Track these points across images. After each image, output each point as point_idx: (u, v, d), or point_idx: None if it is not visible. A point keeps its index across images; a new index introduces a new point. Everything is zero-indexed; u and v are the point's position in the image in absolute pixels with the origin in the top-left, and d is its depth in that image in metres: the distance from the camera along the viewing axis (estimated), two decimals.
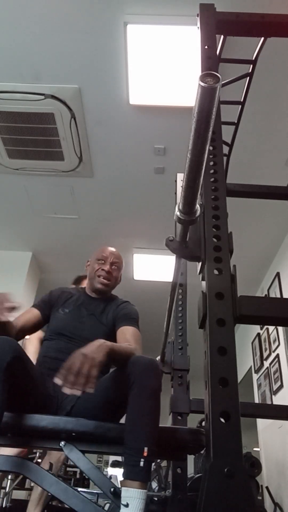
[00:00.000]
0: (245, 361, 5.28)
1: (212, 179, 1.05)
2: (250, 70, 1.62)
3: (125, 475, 1.13)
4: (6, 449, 2.31)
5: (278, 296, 4.08)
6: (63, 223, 4.25)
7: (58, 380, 1.12)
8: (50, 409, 1.36)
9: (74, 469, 4.66)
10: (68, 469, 4.69)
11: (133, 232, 4.34)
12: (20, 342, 1.48)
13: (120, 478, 1.16)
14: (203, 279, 0.94)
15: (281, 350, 4.03)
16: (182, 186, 0.89)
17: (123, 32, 2.47)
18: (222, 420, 0.76)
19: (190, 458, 2.60)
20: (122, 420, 1.26)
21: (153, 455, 1.15)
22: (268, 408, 3.09)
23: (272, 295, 4.36)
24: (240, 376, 5.24)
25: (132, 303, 1.79)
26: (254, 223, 3.91)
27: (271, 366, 4.27)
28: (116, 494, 1.16)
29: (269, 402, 4.25)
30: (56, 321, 1.67)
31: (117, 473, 4.60)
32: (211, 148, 1.08)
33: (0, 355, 1.15)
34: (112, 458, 5.93)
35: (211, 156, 1.08)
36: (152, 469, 4.29)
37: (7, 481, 3.05)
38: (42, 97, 2.86)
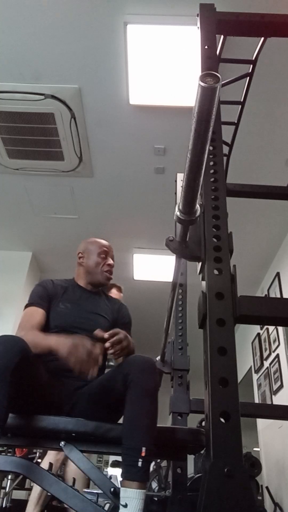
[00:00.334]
0: (245, 361, 5.27)
1: (212, 179, 1.05)
2: (250, 70, 1.62)
3: (123, 475, 1.13)
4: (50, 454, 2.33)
5: (278, 296, 4.08)
6: (63, 223, 4.25)
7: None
8: (55, 409, 1.36)
9: None
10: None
11: (133, 232, 4.35)
12: None
13: (120, 478, 1.16)
14: (203, 279, 0.94)
15: (281, 350, 4.03)
16: (182, 186, 0.89)
17: (123, 32, 2.47)
18: (222, 420, 0.75)
19: (190, 458, 2.60)
20: (121, 421, 1.27)
21: (152, 455, 1.15)
22: (268, 408, 3.09)
23: (272, 295, 4.36)
24: (240, 376, 5.24)
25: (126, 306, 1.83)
26: (254, 223, 3.91)
27: (271, 366, 4.27)
28: (116, 494, 1.16)
29: (269, 402, 4.25)
30: (59, 316, 1.62)
31: (117, 473, 4.60)
32: (211, 148, 1.08)
33: (9, 356, 1.15)
34: (112, 458, 5.92)
35: (211, 156, 1.08)
36: (152, 469, 4.28)
37: (7, 481, 3.05)
38: (42, 97, 2.86)
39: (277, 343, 4.14)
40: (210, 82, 0.67)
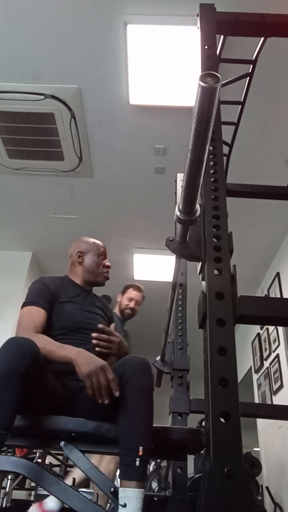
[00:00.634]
0: (245, 361, 5.27)
1: (212, 179, 1.05)
2: (250, 70, 1.62)
3: (121, 475, 1.13)
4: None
5: (278, 296, 4.08)
6: (63, 223, 4.24)
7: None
8: (56, 410, 1.34)
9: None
10: (68, 469, 4.68)
11: (133, 232, 4.35)
12: None
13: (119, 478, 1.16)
14: (203, 279, 0.94)
15: (281, 350, 4.03)
16: (182, 186, 0.89)
17: (123, 32, 2.47)
18: (222, 420, 0.76)
19: (190, 458, 2.60)
20: None
21: (149, 454, 1.15)
22: (268, 408, 3.09)
23: (272, 295, 4.36)
24: (240, 376, 5.24)
25: None
26: (254, 223, 3.91)
27: (271, 366, 4.27)
28: (116, 494, 1.16)
29: (269, 402, 4.25)
30: (67, 316, 1.58)
31: (117, 473, 4.60)
32: (211, 148, 1.08)
33: (21, 359, 1.13)
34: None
35: (211, 156, 1.08)
36: (152, 469, 4.28)
37: (7, 481, 3.05)
38: (42, 97, 2.86)
39: (277, 343, 4.14)
40: (210, 82, 0.67)
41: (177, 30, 2.44)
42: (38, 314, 1.53)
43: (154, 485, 4.10)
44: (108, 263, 1.80)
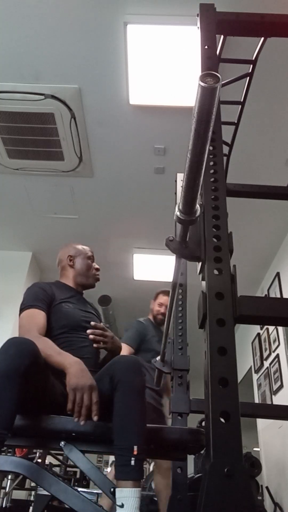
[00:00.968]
0: (245, 361, 5.27)
1: (212, 179, 1.05)
2: (250, 70, 1.62)
3: (117, 475, 1.13)
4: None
5: (278, 296, 4.08)
6: (63, 223, 4.25)
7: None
8: (56, 410, 1.34)
9: (74, 469, 4.65)
10: (68, 469, 4.69)
11: (133, 232, 4.34)
12: None
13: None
14: (203, 279, 0.94)
15: (281, 350, 4.03)
16: (182, 186, 0.89)
17: (123, 32, 2.47)
18: (222, 420, 0.75)
19: (190, 458, 2.59)
20: None
21: (144, 453, 1.16)
22: (268, 408, 3.09)
23: (272, 295, 4.36)
24: (240, 376, 5.24)
25: None
26: (254, 223, 3.91)
27: (271, 366, 4.27)
28: (115, 494, 1.16)
29: (269, 402, 4.25)
30: (66, 315, 1.62)
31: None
32: (211, 148, 1.08)
33: (21, 359, 1.14)
34: (112, 458, 5.92)
35: (211, 156, 1.08)
36: (152, 469, 4.28)
37: (7, 481, 3.05)
38: (42, 97, 2.86)
39: (277, 343, 4.14)
40: (210, 82, 0.67)
41: (177, 30, 2.44)
42: (39, 316, 1.55)
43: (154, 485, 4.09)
44: (97, 266, 1.89)
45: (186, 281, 2.26)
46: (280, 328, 4.08)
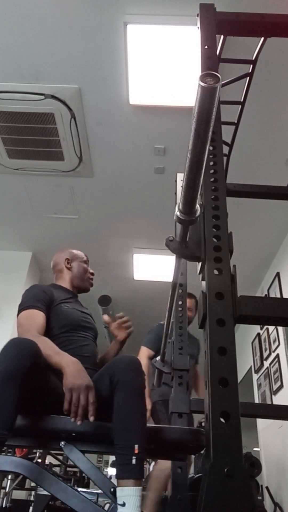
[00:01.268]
0: (245, 361, 5.27)
1: (212, 179, 1.05)
2: (250, 70, 1.62)
3: (118, 475, 1.13)
4: None
5: (278, 296, 4.08)
6: (63, 223, 4.25)
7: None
8: (57, 410, 1.35)
9: (74, 469, 4.66)
10: (68, 469, 4.69)
11: (133, 232, 4.34)
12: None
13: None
14: (203, 279, 0.94)
15: (281, 350, 4.03)
16: (182, 186, 0.89)
17: (123, 32, 2.47)
18: (222, 420, 0.75)
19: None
20: None
21: (145, 452, 1.16)
22: (268, 408, 3.09)
23: (272, 295, 4.36)
24: (240, 376, 5.24)
25: None
26: (254, 223, 3.91)
27: (271, 366, 4.27)
28: (116, 494, 1.16)
29: (269, 402, 4.25)
30: (66, 315, 1.64)
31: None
32: (211, 148, 1.08)
33: (22, 359, 1.15)
34: (112, 458, 5.93)
35: (211, 156, 1.08)
36: (152, 469, 4.28)
37: (7, 481, 3.05)
38: (42, 97, 2.86)
39: (277, 343, 4.14)
40: (210, 82, 0.67)
41: (177, 30, 2.43)
42: (38, 316, 1.56)
43: None
44: (92, 271, 1.95)
45: (186, 281, 2.26)
46: (280, 328, 4.08)
